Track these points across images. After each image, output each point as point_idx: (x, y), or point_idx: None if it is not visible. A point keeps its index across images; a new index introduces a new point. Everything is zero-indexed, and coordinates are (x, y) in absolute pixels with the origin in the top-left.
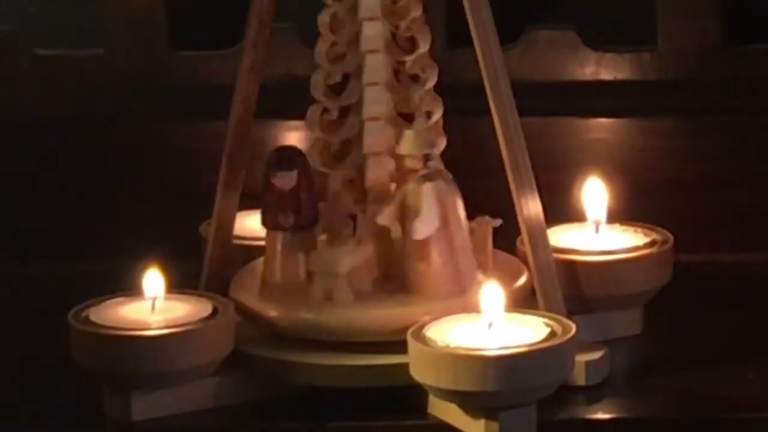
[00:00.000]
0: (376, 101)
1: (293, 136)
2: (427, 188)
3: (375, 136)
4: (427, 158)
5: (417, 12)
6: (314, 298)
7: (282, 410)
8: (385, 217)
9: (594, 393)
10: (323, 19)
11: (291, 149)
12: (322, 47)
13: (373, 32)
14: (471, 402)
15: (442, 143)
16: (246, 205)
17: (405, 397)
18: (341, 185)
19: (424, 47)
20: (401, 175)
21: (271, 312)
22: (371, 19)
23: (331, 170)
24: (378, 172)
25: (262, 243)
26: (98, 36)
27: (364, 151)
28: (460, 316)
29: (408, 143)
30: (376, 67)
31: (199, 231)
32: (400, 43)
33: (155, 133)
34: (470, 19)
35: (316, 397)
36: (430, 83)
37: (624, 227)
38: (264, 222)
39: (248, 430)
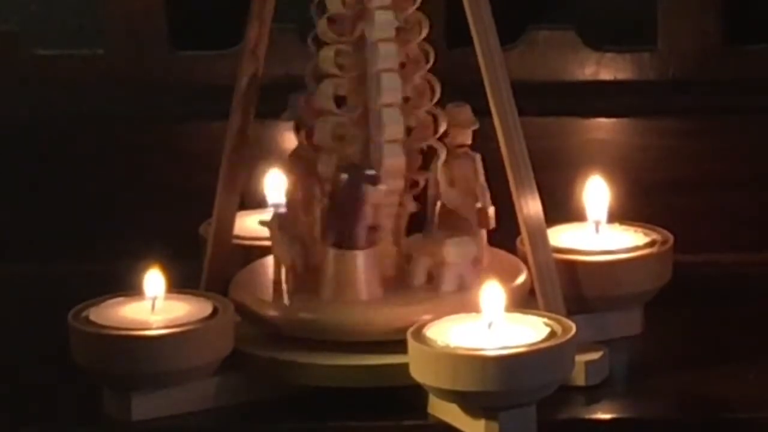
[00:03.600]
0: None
1: (293, 136)
2: None
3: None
4: None
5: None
6: (415, 282)
7: (282, 410)
8: None
9: (594, 393)
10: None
11: None
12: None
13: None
14: (471, 402)
15: None
16: (246, 205)
17: (405, 397)
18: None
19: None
20: None
21: (271, 312)
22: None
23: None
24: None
25: (262, 243)
26: (98, 36)
27: (385, 139)
28: (460, 316)
29: None
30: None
31: (199, 231)
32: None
33: (155, 133)
34: (470, 19)
35: (316, 397)
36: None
37: (624, 227)
38: None
39: (248, 430)
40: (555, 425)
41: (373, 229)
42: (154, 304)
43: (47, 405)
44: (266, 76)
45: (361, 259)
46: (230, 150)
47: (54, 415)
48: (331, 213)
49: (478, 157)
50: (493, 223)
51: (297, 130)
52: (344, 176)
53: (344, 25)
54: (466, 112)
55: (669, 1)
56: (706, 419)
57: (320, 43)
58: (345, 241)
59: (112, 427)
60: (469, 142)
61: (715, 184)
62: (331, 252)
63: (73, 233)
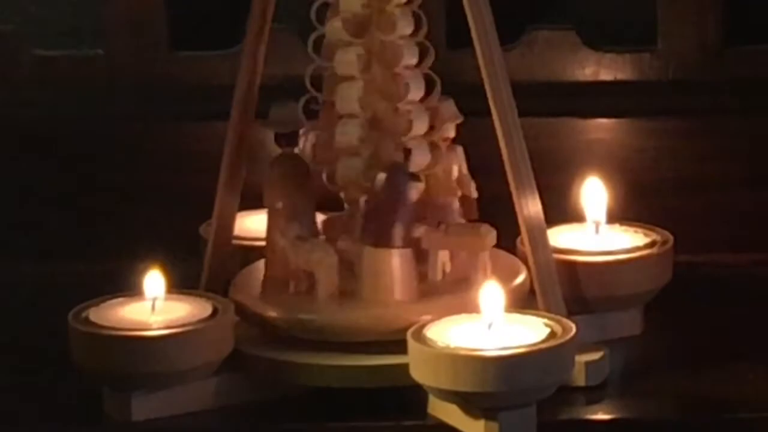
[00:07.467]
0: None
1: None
2: None
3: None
4: None
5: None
6: (293, 292)
7: (282, 410)
8: None
9: (594, 393)
10: None
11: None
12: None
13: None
14: (471, 402)
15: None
16: (246, 205)
17: (405, 397)
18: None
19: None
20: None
21: (271, 312)
22: None
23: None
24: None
25: (262, 243)
26: (98, 36)
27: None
28: (460, 316)
29: None
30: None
31: (199, 231)
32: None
33: (155, 133)
34: (470, 19)
35: (316, 397)
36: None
37: (624, 227)
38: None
39: (248, 430)
40: (555, 425)
41: (411, 227)
42: (154, 305)
43: (47, 405)
44: (266, 76)
45: (396, 258)
46: (230, 150)
47: (54, 415)
48: (369, 212)
49: (460, 149)
50: (476, 213)
51: (277, 139)
52: (382, 175)
53: (360, 27)
54: (450, 106)
55: (669, 1)
56: (706, 419)
57: (329, 47)
58: (383, 240)
59: (112, 427)
60: (453, 135)
61: (715, 184)
62: (367, 250)
63: (73, 233)
